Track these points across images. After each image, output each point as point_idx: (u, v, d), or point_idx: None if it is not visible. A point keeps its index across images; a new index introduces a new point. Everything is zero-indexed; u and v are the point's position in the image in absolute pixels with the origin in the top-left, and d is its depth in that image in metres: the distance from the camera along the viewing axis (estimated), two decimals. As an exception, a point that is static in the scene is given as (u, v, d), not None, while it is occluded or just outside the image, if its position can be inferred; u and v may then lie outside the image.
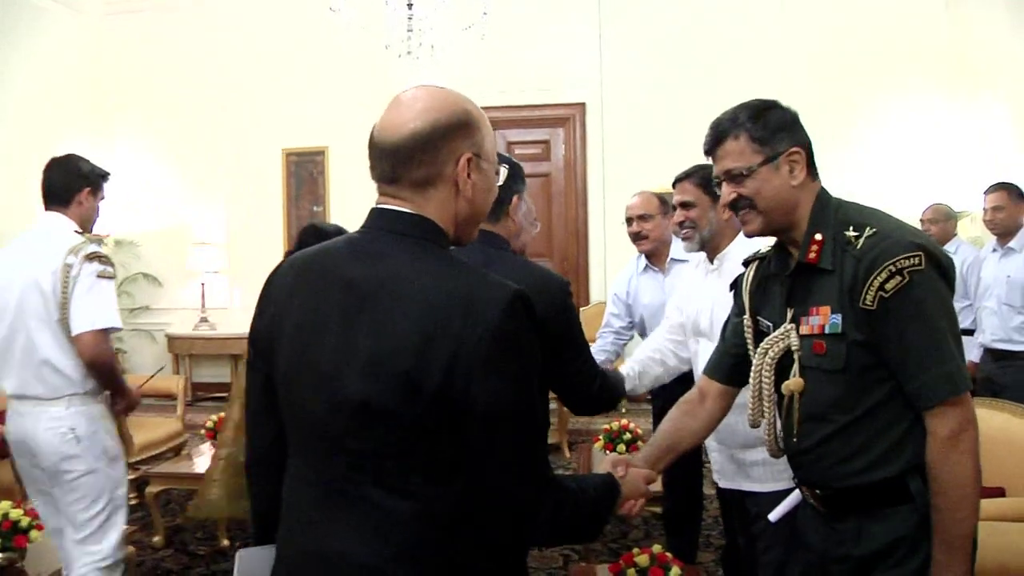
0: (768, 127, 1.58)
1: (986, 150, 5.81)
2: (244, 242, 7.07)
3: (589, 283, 7.10)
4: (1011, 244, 3.92)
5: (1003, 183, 3.99)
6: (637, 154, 6.69)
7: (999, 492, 2.84)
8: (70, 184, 2.58)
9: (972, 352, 4.06)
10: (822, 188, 1.61)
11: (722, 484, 2.43)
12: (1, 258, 2.57)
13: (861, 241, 1.49)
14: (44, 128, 6.64)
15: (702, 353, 2.35)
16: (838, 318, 1.49)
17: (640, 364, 2.50)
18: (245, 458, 1.39)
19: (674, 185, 2.46)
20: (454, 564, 1.13)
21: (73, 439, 2.45)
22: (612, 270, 6.89)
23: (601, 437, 3.53)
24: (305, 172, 7.20)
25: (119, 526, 2.59)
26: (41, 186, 2.60)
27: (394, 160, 1.17)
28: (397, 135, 1.16)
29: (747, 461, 2.29)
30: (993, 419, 2.98)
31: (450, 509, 1.12)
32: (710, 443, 2.39)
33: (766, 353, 1.59)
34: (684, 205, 2.38)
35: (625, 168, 6.74)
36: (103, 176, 2.69)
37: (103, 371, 2.48)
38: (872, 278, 1.44)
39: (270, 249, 7.02)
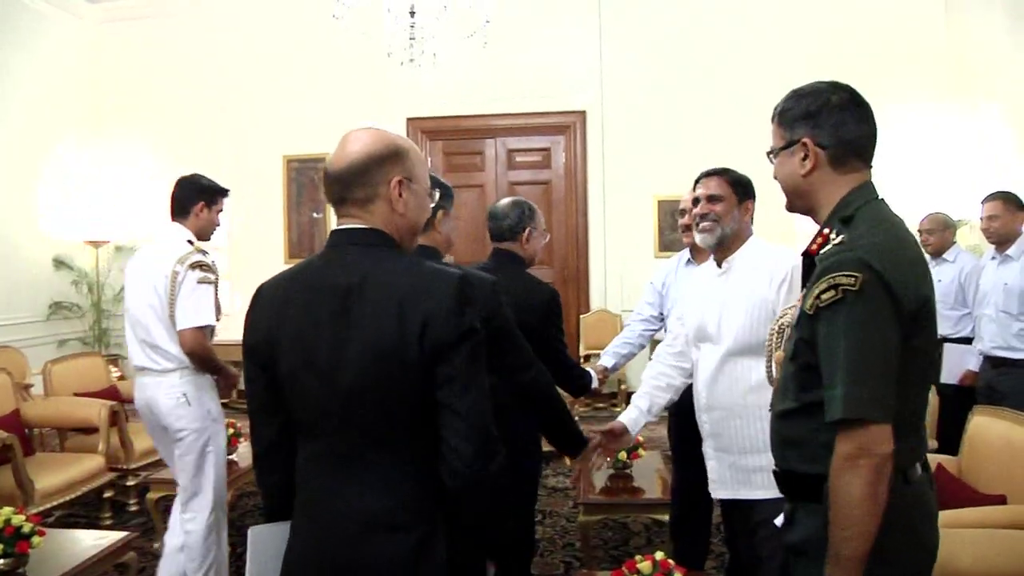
0: (792, 114, 1.64)
1: (985, 157, 5.83)
2: (246, 248, 7.10)
3: (590, 290, 7.18)
4: (1009, 252, 3.94)
5: (1000, 192, 4.03)
6: (637, 161, 6.75)
7: (1000, 500, 2.85)
8: (190, 198, 3.10)
9: (971, 361, 4.10)
10: (862, 185, 1.62)
11: (720, 495, 2.42)
12: (132, 262, 3.15)
13: (830, 246, 1.54)
14: (44, 131, 6.69)
15: (703, 360, 2.41)
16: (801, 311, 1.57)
17: (648, 398, 2.56)
18: (254, 451, 1.58)
19: (699, 180, 2.50)
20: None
21: (184, 402, 2.99)
22: (612, 278, 7.15)
23: None
24: (306, 178, 7.23)
25: (217, 479, 3.08)
26: (169, 199, 3.13)
27: (340, 185, 1.48)
28: (341, 165, 1.48)
29: (749, 467, 2.30)
30: (993, 427, 3.04)
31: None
32: (707, 451, 2.43)
33: (777, 322, 1.74)
34: (711, 199, 2.41)
35: (625, 175, 6.80)
36: (220, 192, 3.19)
37: (201, 360, 2.99)
38: (815, 285, 1.49)
39: (271, 255, 7.05)
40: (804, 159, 1.62)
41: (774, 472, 1.68)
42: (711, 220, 2.38)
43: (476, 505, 1.41)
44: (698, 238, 2.45)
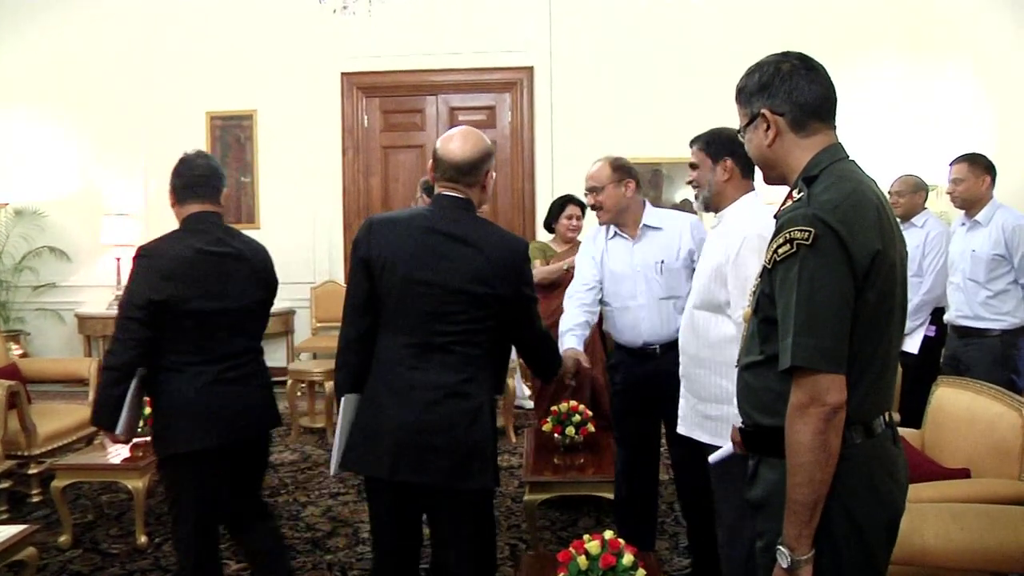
0: (748, 90, 1.79)
1: (957, 117, 5.93)
2: (165, 213, 6.76)
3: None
4: (978, 218, 3.93)
5: (967, 155, 4.01)
6: (588, 121, 6.64)
7: (964, 473, 2.96)
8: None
9: (929, 329, 4.19)
10: (828, 146, 1.74)
11: (681, 430, 2.70)
12: None
13: (790, 203, 1.69)
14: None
15: (686, 308, 2.69)
16: None
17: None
18: (346, 336, 2.35)
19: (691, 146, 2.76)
20: (498, 380, 2.39)
21: None
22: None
23: (549, 420, 3.59)
24: (231, 137, 6.97)
25: None
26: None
27: (457, 170, 2.30)
28: (463, 157, 2.29)
29: (704, 413, 2.57)
30: (958, 399, 3.15)
31: (500, 353, 2.37)
32: (682, 390, 2.69)
33: (757, 284, 1.82)
34: (692, 166, 2.67)
35: (575, 137, 6.70)
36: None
37: None
38: (774, 239, 1.64)
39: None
40: (767, 130, 1.75)
41: (740, 430, 1.82)
42: (695, 187, 2.69)
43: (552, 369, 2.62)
44: (695, 204, 2.80)
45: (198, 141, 6.84)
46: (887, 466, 1.77)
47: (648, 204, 3.22)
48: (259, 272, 2.85)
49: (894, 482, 1.78)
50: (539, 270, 4.32)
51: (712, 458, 2.25)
